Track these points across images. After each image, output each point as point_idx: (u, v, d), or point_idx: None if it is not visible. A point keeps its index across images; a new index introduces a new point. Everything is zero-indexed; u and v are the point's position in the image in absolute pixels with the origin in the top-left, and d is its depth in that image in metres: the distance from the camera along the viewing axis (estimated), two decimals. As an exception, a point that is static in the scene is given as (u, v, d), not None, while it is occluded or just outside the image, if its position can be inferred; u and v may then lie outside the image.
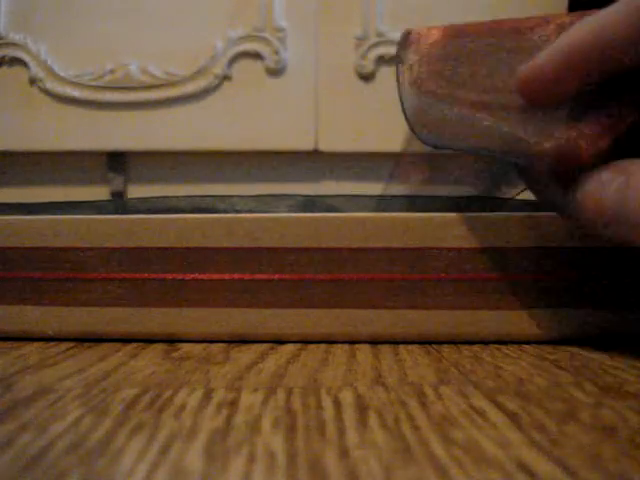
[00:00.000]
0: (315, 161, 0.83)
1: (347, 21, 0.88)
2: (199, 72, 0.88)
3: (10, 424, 0.14)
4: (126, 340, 0.23)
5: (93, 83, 0.88)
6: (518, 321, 0.23)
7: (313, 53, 0.89)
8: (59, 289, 0.23)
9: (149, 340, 0.23)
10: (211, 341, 0.23)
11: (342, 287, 0.23)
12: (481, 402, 0.16)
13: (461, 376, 0.18)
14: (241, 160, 0.87)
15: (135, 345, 0.23)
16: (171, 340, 0.23)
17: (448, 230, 0.22)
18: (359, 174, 0.81)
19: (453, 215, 0.23)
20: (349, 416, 0.15)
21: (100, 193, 0.92)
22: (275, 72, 0.89)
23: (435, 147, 0.21)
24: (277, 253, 0.23)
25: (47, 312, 0.23)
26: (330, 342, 0.23)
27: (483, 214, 0.23)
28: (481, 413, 0.15)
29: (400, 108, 0.25)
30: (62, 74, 0.88)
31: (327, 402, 0.16)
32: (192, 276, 0.23)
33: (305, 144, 0.81)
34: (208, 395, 0.16)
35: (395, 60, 0.23)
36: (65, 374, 0.19)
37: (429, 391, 0.17)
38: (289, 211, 0.26)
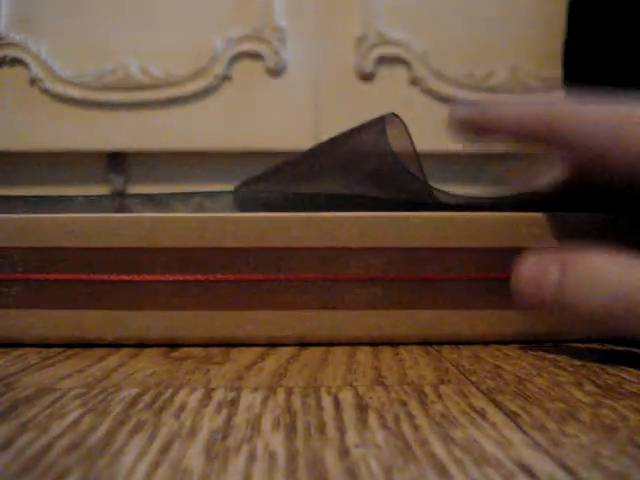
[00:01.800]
0: (315, 161, 0.83)
1: (347, 21, 0.88)
2: (199, 72, 0.88)
3: (10, 424, 0.14)
4: (123, 345, 0.23)
5: (93, 83, 0.88)
6: (518, 321, 0.23)
7: (313, 53, 0.89)
8: (54, 291, 0.23)
9: (147, 344, 0.23)
10: (211, 345, 0.23)
11: (341, 288, 0.23)
12: (481, 402, 0.16)
13: (461, 376, 0.18)
14: (241, 160, 0.87)
15: (135, 345, 0.23)
16: (171, 344, 0.23)
17: (447, 230, 0.22)
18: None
19: (452, 214, 0.23)
20: (349, 416, 0.15)
21: (100, 193, 0.92)
22: (275, 72, 0.88)
23: None
24: (275, 253, 0.23)
25: (36, 315, 0.23)
26: (329, 344, 0.23)
27: (481, 214, 0.23)
28: (481, 413, 0.15)
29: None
30: (62, 74, 0.88)
31: (327, 402, 0.16)
32: (192, 277, 0.23)
33: (305, 144, 0.81)
34: (208, 395, 0.16)
35: None
36: (65, 374, 0.19)
37: (429, 391, 0.17)
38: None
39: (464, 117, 0.22)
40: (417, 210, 0.23)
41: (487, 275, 0.23)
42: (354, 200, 0.24)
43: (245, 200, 0.27)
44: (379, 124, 0.25)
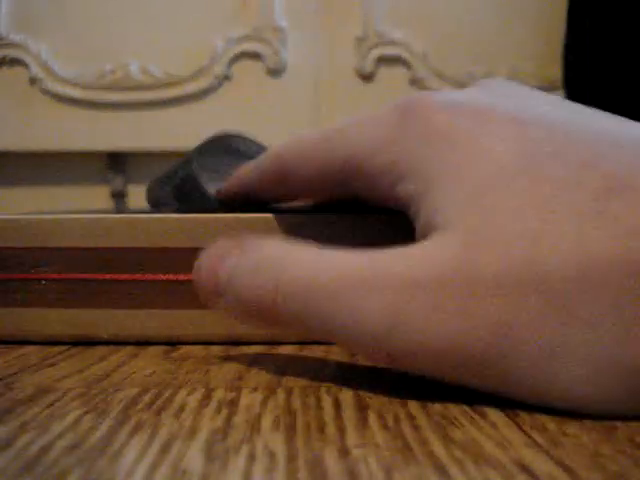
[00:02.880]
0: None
1: (347, 21, 0.88)
2: (199, 72, 0.88)
3: (10, 424, 0.14)
4: (122, 343, 0.23)
5: (93, 83, 0.88)
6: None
7: (313, 53, 0.89)
8: (53, 290, 0.23)
9: (147, 342, 0.23)
10: (210, 343, 0.23)
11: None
12: (481, 402, 0.16)
13: (461, 376, 0.18)
14: (241, 160, 0.86)
15: (135, 345, 0.23)
16: (170, 343, 0.23)
17: None
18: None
19: None
20: (349, 416, 0.15)
21: (100, 193, 0.92)
22: (275, 72, 0.88)
23: None
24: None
25: (35, 314, 0.23)
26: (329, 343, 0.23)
27: None
28: (481, 413, 0.15)
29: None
30: (62, 74, 0.88)
31: (327, 402, 0.16)
32: (187, 277, 0.23)
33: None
34: (208, 395, 0.16)
35: None
36: (65, 374, 0.19)
37: (429, 391, 0.17)
38: None
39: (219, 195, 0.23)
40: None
41: None
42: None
43: (160, 197, 0.28)
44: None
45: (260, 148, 0.28)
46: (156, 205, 0.28)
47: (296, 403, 0.16)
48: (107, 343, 0.23)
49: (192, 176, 0.26)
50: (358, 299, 0.15)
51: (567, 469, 0.12)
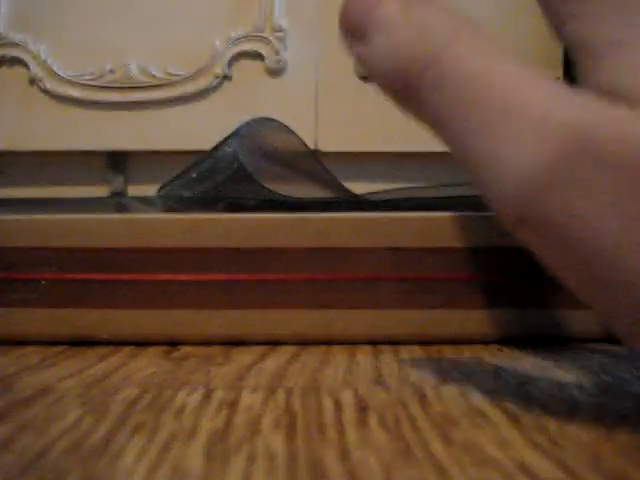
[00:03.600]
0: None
1: (347, 21, 0.88)
2: (199, 72, 0.88)
3: (10, 424, 0.14)
4: (122, 343, 0.23)
5: (93, 83, 0.88)
6: (518, 320, 0.23)
7: (313, 53, 0.89)
8: (52, 290, 0.23)
9: (147, 343, 0.23)
10: (210, 343, 0.23)
11: (340, 288, 0.23)
12: (481, 402, 0.16)
13: (461, 376, 0.18)
14: (241, 160, 0.86)
15: (135, 345, 0.23)
16: (170, 343, 0.23)
17: (440, 230, 0.22)
18: (359, 174, 0.81)
19: (444, 215, 0.22)
20: (349, 416, 0.15)
21: (100, 193, 0.92)
22: (275, 72, 0.88)
23: None
24: (271, 253, 0.23)
25: (34, 313, 0.23)
26: (329, 343, 0.23)
27: (474, 213, 0.23)
28: (481, 413, 0.15)
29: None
30: (62, 74, 0.88)
31: (327, 402, 0.16)
32: (187, 277, 0.23)
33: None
34: (208, 395, 0.16)
35: None
36: (65, 374, 0.19)
37: (429, 391, 0.17)
38: None
39: None
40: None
41: (480, 275, 0.23)
42: (278, 202, 0.25)
43: (173, 199, 0.28)
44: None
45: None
46: (195, 203, 0.27)
47: (296, 403, 0.16)
48: (107, 343, 0.23)
49: (244, 169, 0.25)
50: (520, 126, 0.12)
51: (567, 469, 0.12)
